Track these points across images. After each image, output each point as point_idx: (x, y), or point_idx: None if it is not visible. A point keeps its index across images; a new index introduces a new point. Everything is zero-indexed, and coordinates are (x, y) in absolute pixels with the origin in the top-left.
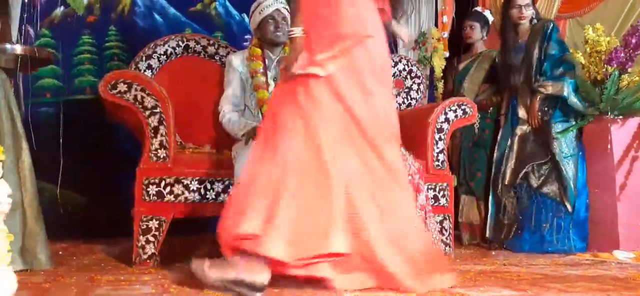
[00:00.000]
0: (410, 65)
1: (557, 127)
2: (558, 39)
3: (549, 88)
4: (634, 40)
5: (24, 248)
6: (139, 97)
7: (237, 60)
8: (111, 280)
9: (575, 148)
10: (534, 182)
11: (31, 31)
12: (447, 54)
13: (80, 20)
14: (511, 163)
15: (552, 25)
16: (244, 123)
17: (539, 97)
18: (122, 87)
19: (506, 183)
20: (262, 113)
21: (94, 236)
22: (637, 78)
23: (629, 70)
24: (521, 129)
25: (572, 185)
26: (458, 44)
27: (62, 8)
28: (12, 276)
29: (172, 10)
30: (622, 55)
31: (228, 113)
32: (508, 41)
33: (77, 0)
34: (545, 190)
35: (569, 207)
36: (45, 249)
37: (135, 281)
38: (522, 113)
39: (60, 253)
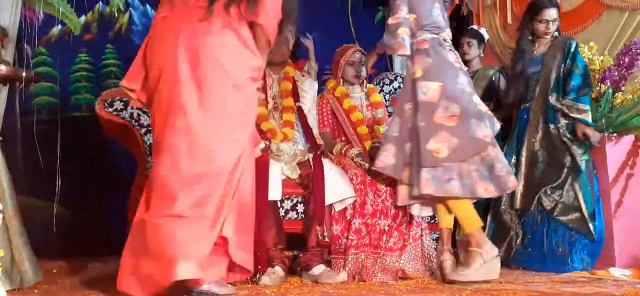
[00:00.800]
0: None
1: (577, 148)
2: (582, 58)
3: (586, 115)
4: (627, 59)
5: (12, 263)
6: (135, 115)
7: None
8: None
9: (589, 165)
10: (548, 205)
11: (29, 50)
12: None
13: (77, 38)
14: (520, 187)
15: (575, 43)
16: None
17: (580, 122)
18: (119, 105)
19: (518, 207)
20: (260, 130)
21: (89, 254)
22: (630, 96)
23: (622, 88)
24: (530, 147)
25: (590, 211)
26: None
27: (59, 27)
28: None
29: None
30: (616, 73)
31: None
32: (526, 52)
33: (74, 20)
34: (562, 218)
35: (592, 236)
36: (32, 262)
37: None
38: (533, 126)
39: (54, 271)
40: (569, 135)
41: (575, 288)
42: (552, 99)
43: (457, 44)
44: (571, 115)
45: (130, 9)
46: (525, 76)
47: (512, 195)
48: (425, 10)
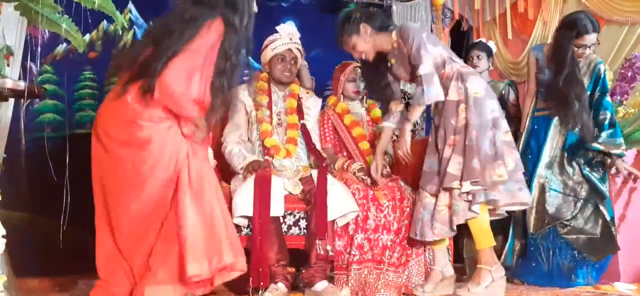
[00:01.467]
0: (406, 98)
1: (596, 176)
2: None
3: (622, 148)
4: (629, 74)
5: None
6: None
7: (242, 92)
8: None
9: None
10: (561, 230)
11: (34, 68)
12: None
13: (82, 56)
14: (533, 212)
15: (604, 69)
16: (243, 157)
17: (617, 157)
18: None
19: (531, 231)
20: (263, 146)
21: (94, 271)
22: (632, 110)
23: (624, 102)
24: (541, 171)
25: (613, 232)
26: None
27: (64, 45)
28: None
29: None
30: (618, 88)
31: (230, 145)
32: (569, 64)
33: (78, 38)
34: (571, 238)
35: (600, 258)
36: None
37: None
38: (549, 146)
39: (57, 289)
40: (588, 169)
41: None
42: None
43: (463, 58)
44: (612, 153)
45: (134, 26)
46: (570, 90)
47: (524, 215)
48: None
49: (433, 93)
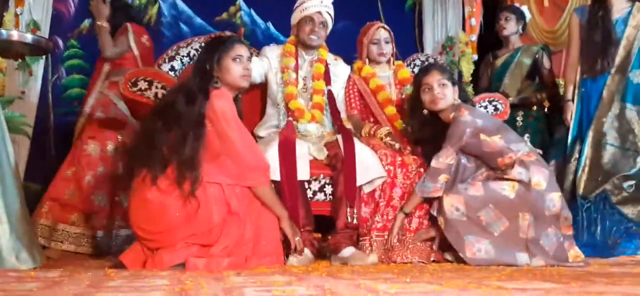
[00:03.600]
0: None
1: None
2: None
3: None
4: None
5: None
6: (159, 95)
7: (271, 52)
8: (127, 275)
9: None
10: (611, 194)
11: (60, 42)
12: (475, 57)
13: None
14: (585, 171)
15: None
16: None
17: None
18: (143, 85)
19: (580, 193)
20: (287, 108)
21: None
22: None
23: None
24: (598, 127)
25: None
26: (486, 48)
27: (89, 20)
28: None
29: (198, 19)
30: None
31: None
32: (606, 15)
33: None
34: (628, 212)
35: None
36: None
37: (152, 276)
38: (606, 105)
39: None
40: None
41: (625, 269)
42: (635, 76)
43: (488, 29)
44: None
45: (159, 1)
46: (606, 44)
47: (574, 179)
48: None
49: (429, 188)
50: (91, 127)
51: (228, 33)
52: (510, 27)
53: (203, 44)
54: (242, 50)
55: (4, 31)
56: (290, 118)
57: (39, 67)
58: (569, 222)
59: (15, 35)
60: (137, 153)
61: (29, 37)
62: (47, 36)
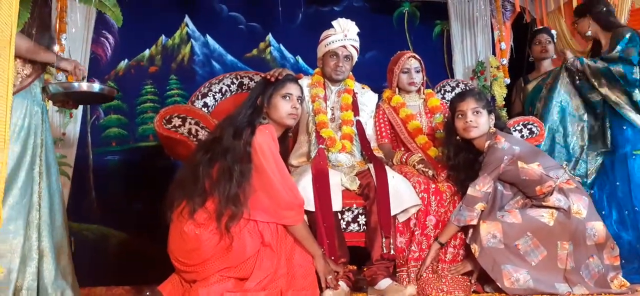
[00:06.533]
0: (466, 88)
1: None
2: None
3: None
4: None
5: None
6: (193, 131)
7: (302, 82)
8: None
9: None
10: None
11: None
12: (508, 81)
13: (143, 71)
14: None
15: None
16: None
17: None
18: (177, 121)
19: None
20: (318, 136)
21: (159, 279)
22: None
23: None
24: None
25: None
26: (517, 71)
27: (126, 61)
28: None
29: (229, 57)
30: None
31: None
32: None
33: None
34: None
35: None
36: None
37: None
38: None
39: None
40: None
41: None
42: None
43: (519, 53)
44: None
45: (191, 40)
46: None
47: None
48: (541, 160)
49: (465, 216)
50: None
51: (286, 71)
52: (551, 50)
53: (234, 79)
54: (293, 88)
55: (75, 83)
56: (322, 146)
57: (78, 108)
58: (616, 252)
59: (84, 86)
60: (179, 185)
61: (96, 87)
62: (85, 79)
